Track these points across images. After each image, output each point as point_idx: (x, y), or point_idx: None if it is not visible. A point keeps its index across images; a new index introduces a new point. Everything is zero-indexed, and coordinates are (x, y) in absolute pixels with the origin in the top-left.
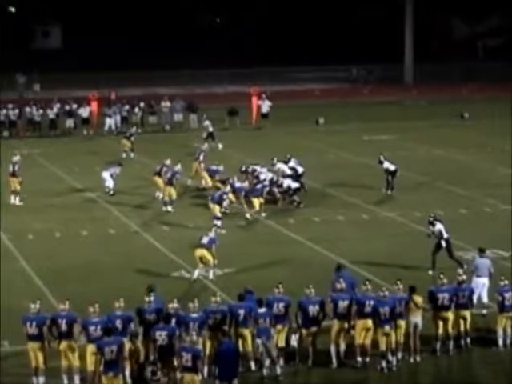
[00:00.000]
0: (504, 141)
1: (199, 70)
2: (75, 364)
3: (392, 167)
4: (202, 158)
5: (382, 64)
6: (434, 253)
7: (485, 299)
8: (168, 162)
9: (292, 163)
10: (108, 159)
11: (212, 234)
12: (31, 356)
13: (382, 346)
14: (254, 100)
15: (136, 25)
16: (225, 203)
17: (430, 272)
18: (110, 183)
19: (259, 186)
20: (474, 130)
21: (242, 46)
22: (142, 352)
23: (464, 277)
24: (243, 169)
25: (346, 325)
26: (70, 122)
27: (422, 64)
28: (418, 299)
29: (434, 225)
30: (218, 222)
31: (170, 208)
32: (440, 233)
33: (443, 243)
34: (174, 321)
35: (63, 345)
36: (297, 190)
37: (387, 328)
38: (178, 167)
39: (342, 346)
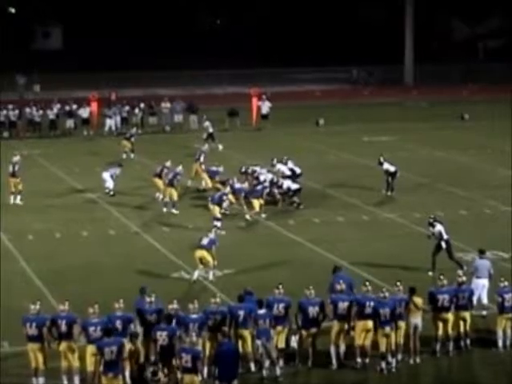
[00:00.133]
0: (504, 142)
1: (199, 71)
2: (75, 365)
3: (392, 168)
4: (202, 159)
5: (383, 65)
6: (433, 254)
7: (484, 300)
8: (168, 163)
9: (290, 165)
10: (108, 160)
11: (212, 235)
12: (31, 357)
13: (382, 347)
14: (254, 101)
15: (136, 25)
16: (225, 204)
17: (430, 273)
18: (110, 184)
19: (259, 187)
20: (474, 132)
21: (242, 46)
22: (142, 353)
23: (464, 278)
24: (243, 170)
25: (346, 326)
26: (70, 123)
27: (422, 65)
28: (418, 300)
29: (434, 226)
30: (218, 223)
31: (174, 210)
32: (440, 234)
33: (443, 244)
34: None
35: (63, 345)
36: (297, 191)
37: (388, 329)
38: (180, 168)
39: (342, 347)
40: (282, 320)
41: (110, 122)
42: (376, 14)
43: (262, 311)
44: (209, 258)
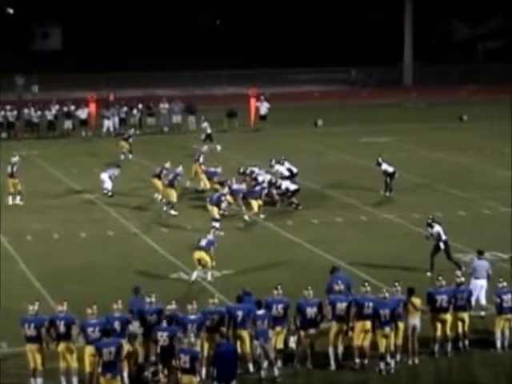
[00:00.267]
0: (503, 143)
1: (198, 72)
2: (73, 365)
3: (390, 169)
4: (201, 159)
5: (382, 66)
6: (432, 255)
7: (483, 301)
8: (168, 165)
9: (286, 165)
10: (106, 161)
11: (210, 236)
12: (29, 357)
13: (382, 348)
14: (253, 102)
15: (135, 26)
16: (223, 205)
17: (429, 274)
18: (108, 185)
19: (258, 188)
20: (473, 132)
21: (241, 47)
22: (141, 353)
23: (462, 279)
24: (241, 170)
25: (345, 327)
26: (68, 124)
27: (421, 66)
28: (417, 301)
29: (432, 227)
30: (217, 224)
31: (172, 211)
32: (438, 235)
33: (441, 245)
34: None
35: (61, 346)
36: (295, 191)
37: (387, 329)
38: (180, 169)
39: (340, 348)
40: (280, 321)
41: (108, 123)
42: (375, 15)
43: (260, 312)
44: (207, 258)
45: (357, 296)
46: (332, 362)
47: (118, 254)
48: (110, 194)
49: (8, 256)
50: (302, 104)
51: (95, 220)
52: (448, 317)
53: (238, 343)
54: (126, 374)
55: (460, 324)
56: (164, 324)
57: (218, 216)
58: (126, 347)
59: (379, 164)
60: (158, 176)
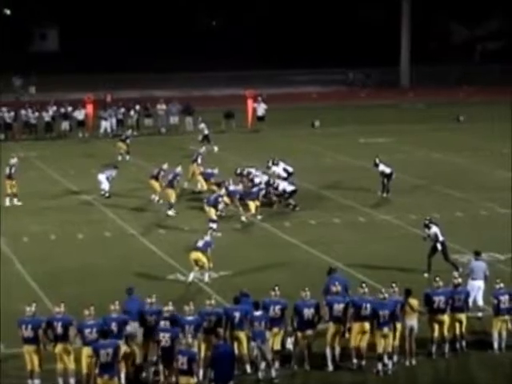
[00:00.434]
0: (501, 144)
1: (195, 73)
2: (71, 367)
3: (387, 170)
4: (199, 160)
5: (380, 67)
6: (429, 256)
7: (480, 302)
8: (165, 166)
9: (281, 165)
10: (104, 162)
11: (207, 237)
12: (27, 359)
13: (380, 349)
14: (250, 103)
15: (133, 27)
16: (220, 206)
17: (426, 275)
18: (105, 186)
19: (255, 189)
20: (470, 133)
21: (239, 48)
22: (139, 354)
23: (460, 280)
24: (238, 171)
25: (342, 328)
26: (65, 125)
27: (418, 67)
28: (414, 302)
29: (429, 228)
30: (214, 225)
31: (170, 212)
32: (436, 236)
33: (439, 246)
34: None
35: (59, 348)
36: (292, 192)
37: (386, 330)
38: (179, 169)
39: (338, 349)
40: (278, 322)
41: (106, 124)
42: (374, 16)
43: (257, 313)
44: (204, 259)
45: (354, 297)
46: (329, 363)
47: (116, 255)
48: (107, 195)
49: (5, 257)
50: (300, 105)
51: (93, 221)
52: (445, 318)
53: (236, 344)
54: (123, 376)
55: (457, 325)
56: (165, 324)
57: (215, 217)
58: (124, 348)
59: (376, 165)
60: (156, 177)
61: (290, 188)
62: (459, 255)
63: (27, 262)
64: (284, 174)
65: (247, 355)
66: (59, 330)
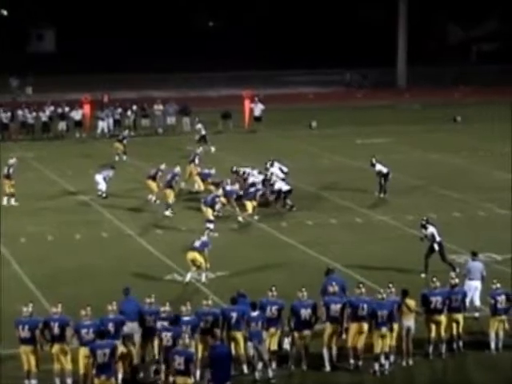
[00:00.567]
0: (498, 144)
1: (193, 73)
2: (67, 367)
3: (384, 170)
4: (197, 161)
5: (377, 68)
6: (426, 256)
7: (477, 302)
8: (163, 166)
9: (276, 165)
10: (101, 162)
11: (204, 238)
12: (23, 359)
13: (377, 349)
14: (247, 103)
15: (130, 28)
16: (217, 206)
17: (423, 275)
18: (102, 186)
19: (252, 190)
20: (467, 134)
21: (237, 49)
22: (137, 354)
23: (457, 280)
24: (234, 169)
25: (339, 328)
26: (62, 125)
27: (415, 67)
28: (411, 302)
29: (426, 228)
30: (211, 225)
31: (167, 212)
32: (432, 236)
33: (436, 246)
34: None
35: (56, 348)
36: (287, 192)
37: (384, 330)
38: (177, 169)
39: (334, 350)
40: (274, 322)
41: (103, 124)
42: (370, 17)
43: (254, 313)
44: (201, 259)
45: (351, 297)
46: (326, 364)
47: (113, 255)
48: (103, 195)
49: (2, 258)
50: (298, 106)
51: (90, 222)
52: (442, 318)
53: (233, 345)
54: (120, 376)
55: (454, 325)
56: (162, 325)
57: (212, 217)
58: (120, 349)
59: (373, 165)
60: (153, 177)
61: (285, 187)
62: (456, 256)
63: (24, 262)
64: (281, 175)
65: (244, 355)
66: (56, 330)
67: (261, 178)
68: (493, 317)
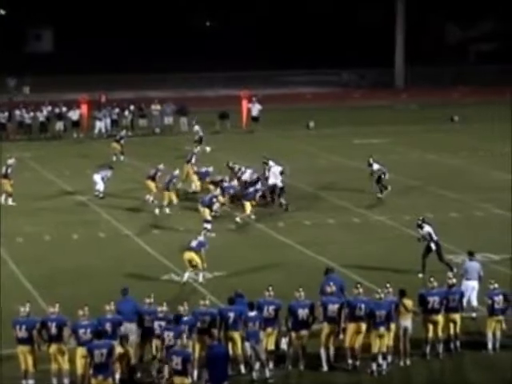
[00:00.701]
0: (496, 144)
1: (191, 73)
2: (65, 367)
3: (381, 169)
4: (193, 160)
5: (375, 68)
6: (423, 256)
7: (474, 302)
8: (161, 166)
9: (271, 164)
10: (98, 162)
11: (201, 238)
12: (21, 359)
13: (375, 349)
14: (245, 103)
15: (127, 28)
16: (215, 207)
17: (420, 275)
18: (100, 186)
19: (251, 190)
20: (465, 134)
21: (234, 49)
22: (135, 354)
23: (454, 280)
24: (230, 164)
25: (336, 328)
26: (59, 125)
27: (413, 67)
28: (408, 302)
29: (422, 228)
30: (208, 226)
31: (157, 211)
32: (429, 235)
33: (433, 246)
34: (163, 324)
35: (53, 348)
36: (281, 189)
37: (382, 329)
38: (177, 172)
39: (332, 350)
40: (271, 322)
41: (100, 125)
42: (368, 17)
43: (252, 313)
44: (197, 260)
45: (349, 298)
46: (324, 364)
47: (110, 255)
48: (101, 195)
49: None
50: (295, 106)
51: (87, 222)
52: (440, 318)
53: (230, 345)
54: (117, 376)
55: (452, 325)
56: (160, 325)
57: (209, 217)
58: (118, 349)
59: (370, 165)
60: (153, 178)
61: (280, 185)
62: (454, 256)
63: (22, 262)
64: (278, 174)
65: (241, 355)
66: (53, 330)
67: (255, 175)
68: (490, 317)
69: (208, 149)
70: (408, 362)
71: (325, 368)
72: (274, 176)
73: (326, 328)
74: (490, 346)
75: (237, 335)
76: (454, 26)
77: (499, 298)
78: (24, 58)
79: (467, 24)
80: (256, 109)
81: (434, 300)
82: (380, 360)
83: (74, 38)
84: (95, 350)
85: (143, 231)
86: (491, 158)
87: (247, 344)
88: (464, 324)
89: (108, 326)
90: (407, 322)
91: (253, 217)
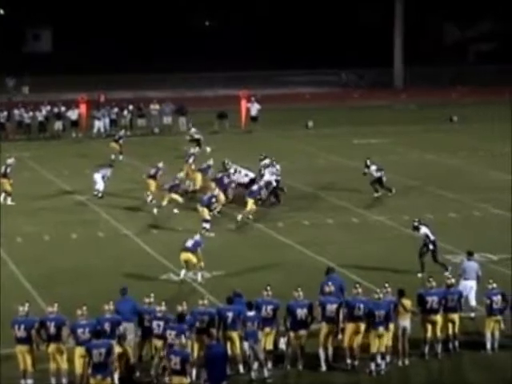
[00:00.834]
0: (494, 144)
1: (190, 74)
2: (63, 367)
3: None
4: (191, 161)
5: (373, 68)
6: (420, 255)
7: (472, 302)
8: (161, 164)
9: (266, 161)
10: (97, 162)
11: (197, 237)
12: (19, 359)
13: (374, 349)
14: (243, 103)
15: (126, 28)
16: (213, 206)
17: (420, 275)
18: (99, 186)
19: (255, 188)
20: (464, 134)
21: (234, 49)
22: (133, 354)
23: (453, 280)
24: (226, 161)
25: (335, 328)
26: (58, 125)
27: (412, 67)
28: (407, 302)
29: (418, 229)
30: (207, 225)
31: (175, 210)
32: (426, 236)
33: (431, 246)
34: (161, 324)
35: (52, 347)
36: (275, 188)
37: (381, 329)
38: (181, 175)
39: (330, 350)
40: (269, 322)
41: (99, 124)
42: (367, 18)
43: (250, 313)
44: (194, 260)
45: (348, 298)
46: (322, 364)
47: (109, 255)
48: (100, 195)
49: None
50: (294, 106)
51: (86, 222)
52: (438, 318)
53: (228, 344)
54: (116, 376)
55: (450, 325)
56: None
57: (208, 217)
58: (116, 349)
59: (367, 166)
60: (153, 176)
61: (274, 183)
62: (452, 256)
63: (21, 262)
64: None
65: (240, 355)
66: (52, 329)
67: (247, 179)
68: (488, 317)
69: (208, 149)
70: (407, 362)
71: (323, 368)
72: (270, 174)
73: (324, 328)
74: (488, 346)
75: (235, 335)
76: (452, 26)
77: (497, 298)
78: (23, 57)
79: (466, 24)
80: (255, 108)
81: (432, 300)
82: (379, 360)
83: (72, 38)
84: (94, 349)
85: (142, 231)
86: (490, 158)
87: (246, 344)
88: (462, 324)
89: (107, 326)
90: (406, 321)
91: (250, 216)
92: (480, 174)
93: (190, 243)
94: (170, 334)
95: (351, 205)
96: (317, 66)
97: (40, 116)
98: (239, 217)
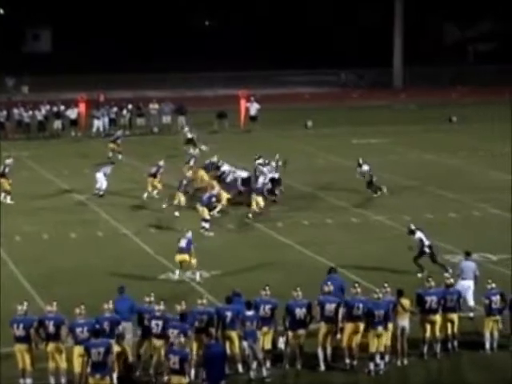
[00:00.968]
0: (494, 144)
1: (190, 73)
2: (62, 366)
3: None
4: (192, 163)
5: (373, 68)
6: (415, 259)
7: (471, 302)
8: (162, 162)
9: (261, 160)
10: (96, 161)
11: (188, 234)
12: (18, 358)
13: (372, 348)
14: (243, 103)
15: (126, 28)
16: (213, 206)
17: (419, 275)
18: (101, 184)
19: (260, 184)
20: (463, 134)
21: (233, 49)
22: (132, 353)
23: (452, 280)
24: (219, 162)
25: (334, 328)
26: (57, 124)
27: (411, 67)
28: (406, 302)
29: (414, 234)
30: (206, 225)
31: (177, 213)
32: (421, 241)
33: (427, 250)
34: (160, 323)
35: (50, 347)
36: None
37: (380, 329)
38: (189, 173)
39: (329, 349)
40: (268, 321)
41: (98, 123)
42: (367, 18)
43: (249, 313)
44: (192, 260)
45: (347, 297)
46: (321, 363)
47: (109, 255)
48: (100, 193)
49: None
50: (293, 105)
51: (86, 221)
52: (437, 318)
53: (227, 344)
54: (115, 375)
55: (449, 325)
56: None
57: (208, 217)
58: (115, 348)
59: (360, 165)
60: (154, 175)
61: (268, 185)
62: (451, 256)
63: (20, 261)
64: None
65: (239, 355)
66: (51, 329)
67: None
68: (487, 317)
69: (203, 147)
70: (405, 362)
71: (322, 367)
72: (263, 174)
73: (323, 327)
74: (487, 345)
75: (234, 334)
76: (452, 26)
77: (496, 298)
78: (22, 57)
79: (466, 24)
80: (254, 108)
81: (431, 300)
82: (377, 360)
83: (72, 38)
84: (92, 348)
85: (142, 230)
86: (490, 158)
87: (245, 343)
88: (461, 324)
89: (106, 325)
90: (405, 321)
91: (249, 215)
92: (480, 173)
93: (183, 243)
94: (173, 333)
95: (350, 205)
96: (316, 66)
97: (39, 115)
98: (249, 215)
